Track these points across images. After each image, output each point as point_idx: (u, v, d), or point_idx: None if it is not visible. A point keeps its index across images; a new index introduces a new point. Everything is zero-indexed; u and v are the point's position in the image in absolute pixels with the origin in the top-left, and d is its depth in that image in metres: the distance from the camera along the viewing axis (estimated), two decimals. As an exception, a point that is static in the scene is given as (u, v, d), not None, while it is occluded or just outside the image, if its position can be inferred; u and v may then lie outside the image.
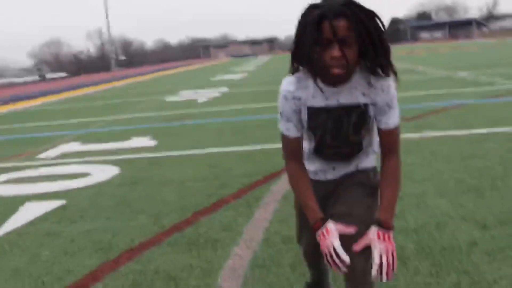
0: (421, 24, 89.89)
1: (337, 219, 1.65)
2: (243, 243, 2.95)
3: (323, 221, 1.62)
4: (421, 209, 3.23)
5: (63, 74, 58.49)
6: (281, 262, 2.63)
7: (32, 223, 3.68)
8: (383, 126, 1.63)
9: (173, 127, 8.15)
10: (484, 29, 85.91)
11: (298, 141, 1.69)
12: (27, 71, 59.09)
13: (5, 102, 19.38)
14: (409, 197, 3.42)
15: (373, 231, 1.58)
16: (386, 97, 1.58)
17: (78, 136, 7.89)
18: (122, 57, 78.76)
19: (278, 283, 2.43)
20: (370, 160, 1.79)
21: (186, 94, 14.60)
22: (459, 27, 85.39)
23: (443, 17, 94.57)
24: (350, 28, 1.42)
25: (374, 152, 1.78)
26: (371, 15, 1.46)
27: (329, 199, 1.77)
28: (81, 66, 70.78)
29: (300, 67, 1.61)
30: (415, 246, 2.66)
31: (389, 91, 1.58)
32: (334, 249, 1.56)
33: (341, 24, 1.42)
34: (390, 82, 1.58)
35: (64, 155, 6.29)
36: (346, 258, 1.55)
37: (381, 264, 1.54)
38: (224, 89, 15.29)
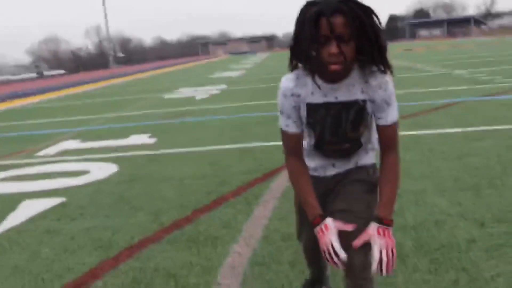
0: (419, 21, 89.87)
1: (337, 215, 1.67)
2: (243, 241, 2.96)
3: (322, 217, 1.64)
4: (419, 206, 3.24)
5: (61, 71, 58.37)
6: (280, 260, 2.65)
7: (31, 221, 3.68)
8: (381, 122, 1.64)
9: (172, 125, 8.16)
10: (482, 27, 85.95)
11: (298, 137, 1.71)
12: (25, 68, 58.94)
13: (3, 99, 19.33)
14: (408, 195, 3.43)
15: (373, 227, 1.61)
16: (384, 94, 1.60)
17: (77, 134, 7.89)
18: (121, 54, 78.62)
19: (277, 280, 2.44)
20: (370, 156, 1.80)
21: (185, 92, 14.60)
22: (457, 25, 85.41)
23: (441, 15, 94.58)
24: (347, 24, 1.43)
25: (374, 148, 1.79)
26: (368, 12, 1.47)
27: (329, 195, 1.79)
28: (79, 63, 70.67)
29: (299, 64, 1.63)
30: (414, 243, 2.68)
31: (387, 88, 1.60)
32: (332, 246, 1.58)
33: (339, 20, 1.43)
34: (388, 79, 1.59)
35: (63, 153, 6.29)
36: (343, 255, 1.58)
37: (381, 260, 1.56)
38: (223, 86, 15.29)
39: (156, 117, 9.22)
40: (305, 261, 2.14)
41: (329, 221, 1.64)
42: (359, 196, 1.72)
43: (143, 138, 6.85)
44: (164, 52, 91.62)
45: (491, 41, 41.22)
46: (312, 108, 1.64)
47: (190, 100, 11.84)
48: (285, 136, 1.71)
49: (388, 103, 1.61)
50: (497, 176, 3.77)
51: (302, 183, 1.71)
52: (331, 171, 1.80)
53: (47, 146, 6.82)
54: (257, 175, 4.38)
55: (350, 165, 1.79)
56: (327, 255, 1.60)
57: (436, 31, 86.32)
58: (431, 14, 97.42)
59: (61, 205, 4.01)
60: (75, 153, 6.18)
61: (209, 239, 3.03)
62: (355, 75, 1.60)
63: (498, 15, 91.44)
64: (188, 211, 3.57)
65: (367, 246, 1.60)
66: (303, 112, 1.66)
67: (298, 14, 1.53)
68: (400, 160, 1.69)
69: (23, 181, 4.94)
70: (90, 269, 2.76)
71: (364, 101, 1.61)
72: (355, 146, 1.74)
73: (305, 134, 1.74)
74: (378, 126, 1.66)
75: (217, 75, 22.62)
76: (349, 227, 1.63)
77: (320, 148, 1.75)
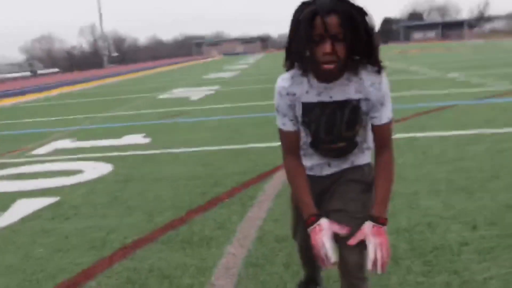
0: (414, 24, 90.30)
1: (333, 215, 1.70)
2: (237, 242, 2.97)
3: (317, 217, 1.67)
4: (413, 209, 3.27)
5: (55, 70, 58.06)
6: (274, 261, 2.66)
7: (25, 220, 3.67)
8: (375, 122, 1.67)
9: (167, 125, 8.15)
10: (476, 30, 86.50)
11: (295, 135, 1.73)
12: (18, 66, 58.55)
13: (-4, 97, 19.20)
14: (401, 197, 3.46)
15: (368, 226, 1.64)
16: (378, 93, 1.62)
17: (71, 133, 7.86)
18: (115, 54, 78.33)
19: (271, 281, 2.45)
20: (365, 156, 1.82)
21: (179, 92, 14.58)
22: (451, 28, 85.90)
23: (435, 18, 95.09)
24: (341, 24, 1.46)
25: (369, 148, 1.81)
26: (361, 12, 1.50)
27: (324, 194, 1.81)
28: (73, 62, 70.32)
29: (295, 64, 1.65)
30: (407, 245, 2.70)
31: (380, 87, 1.62)
32: (324, 247, 1.62)
33: (333, 20, 1.45)
34: (382, 78, 1.62)
35: (56, 152, 6.26)
36: (333, 259, 1.62)
37: (375, 258, 1.60)
38: (217, 87, 15.29)
39: (151, 117, 9.20)
40: (300, 260, 2.15)
41: (323, 221, 1.66)
42: (355, 196, 1.74)
43: (137, 138, 6.84)
44: (158, 52, 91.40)
45: (484, 44, 41.50)
46: (307, 107, 1.67)
47: (185, 101, 11.82)
48: (282, 134, 1.75)
49: (382, 103, 1.63)
50: (489, 179, 3.81)
51: (298, 182, 1.74)
52: (327, 171, 1.82)
53: (40, 145, 6.79)
54: (251, 176, 4.39)
55: (346, 164, 1.81)
56: (317, 255, 1.64)
57: (430, 34, 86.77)
58: (425, 17, 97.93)
59: (55, 204, 4.00)
60: (68, 153, 6.16)
61: (204, 240, 3.03)
62: (349, 75, 1.62)
63: (491, 18, 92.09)
64: (183, 212, 3.58)
65: (362, 245, 1.63)
66: (299, 111, 1.69)
67: (293, 14, 1.55)
68: (394, 158, 1.72)
69: (16, 180, 4.92)
70: (84, 269, 2.75)
71: (358, 100, 1.64)
72: (351, 145, 1.75)
73: (302, 133, 1.76)
74: (372, 126, 1.69)
75: (212, 75, 22.61)
76: (343, 231, 1.65)
77: (315, 147, 1.77)
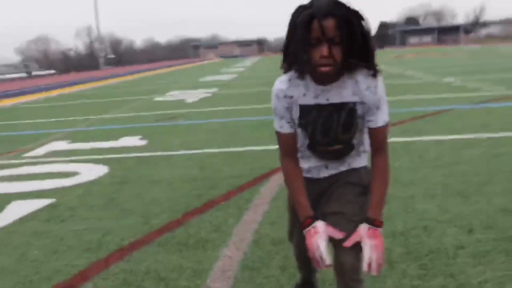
0: (410, 29, 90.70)
1: (330, 218, 1.71)
2: (233, 245, 2.97)
3: (313, 219, 1.70)
4: (409, 213, 3.28)
5: (51, 71, 57.90)
6: (270, 264, 2.66)
7: (20, 222, 3.66)
8: (371, 125, 1.68)
9: (163, 127, 8.14)
10: (472, 35, 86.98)
11: (292, 137, 1.75)
12: (14, 67, 58.32)
13: (-8, 98, 19.12)
14: (397, 201, 3.47)
15: (364, 228, 1.66)
16: (374, 97, 1.63)
17: (66, 135, 7.84)
18: (111, 56, 78.20)
19: (268, 284, 2.45)
20: (362, 159, 1.83)
21: (175, 94, 14.57)
22: (446, 33, 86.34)
23: (431, 23, 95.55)
24: (338, 28, 1.47)
25: (366, 151, 1.83)
26: (358, 16, 1.52)
27: (322, 197, 1.82)
28: (69, 64, 70.17)
29: (292, 66, 1.66)
30: (403, 249, 2.71)
31: (376, 91, 1.63)
32: (319, 250, 1.64)
33: (330, 24, 1.47)
34: (378, 82, 1.63)
35: (52, 154, 6.24)
36: (328, 262, 1.65)
37: (371, 260, 1.62)
38: (214, 90, 15.29)
39: (147, 119, 9.19)
40: (296, 263, 2.16)
41: (319, 224, 1.68)
42: (352, 198, 1.76)
43: (133, 140, 6.83)
44: (155, 54, 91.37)
45: (480, 49, 41.72)
46: (304, 109, 1.68)
47: (181, 103, 11.82)
48: (280, 136, 1.76)
49: (378, 106, 1.65)
50: (484, 183, 3.82)
51: (295, 184, 1.76)
52: (324, 173, 1.83)
53: (36, 147, 6.77)
54: (247, 179, 4.39)
55: (343, 167, 1.82)
56: (312, 257, 1.67)
57: (426, 39, 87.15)
58: (421, 21, 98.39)
59: (51, 206, 3.99)
60: (64, 154, 6.14)
61: (200, 242, 3.03)
62: (346, 78, 1.63)
63: (486, 24, 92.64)
64: (179, 214, 3.57)
65: (358, 247, 1.65)
66: (296, 114, 1.70)
67: (290, 17, 1.57)
68: (389, 162, 1.74)
69: (12, 182, 4.90)
70: (80, 271, 2.74)
71: (355, 103, 1.65)
72: (347, 148, 1.76)
73: (299, 135, 1.77)
74: (368, 129, 1.70)
75: (208, 78, 22.61)
76: (339, 235, 1.67)
77: (313, 149, 1.78)
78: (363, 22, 1.53)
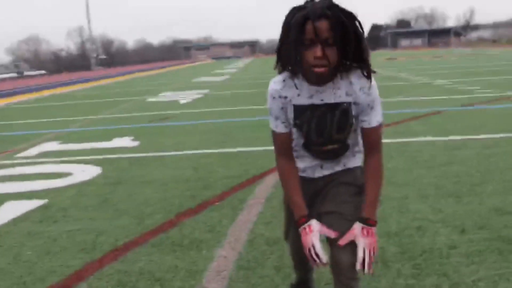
0: (401, 31, 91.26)
1: (325, 217, 1.73)
2: (228, 245, 2.97)
3: (307, 218, 1.71)
4: (402, 213, 3.29)
5: (42, 72, 57.51)
6: (265, 264, 2.66)
7: (13, 223, 3.63)
8: (365, 125, 1.70)
9: (155, 128, 8.12)
10: (462, 38, 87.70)
11: (287, 137, 1.76)
12: (4, 67, 57.87)
13: (-18, 99, 18.96)
14: (391, 201, 3.49)
15: (358, 227, 1.68)
16: (368, 98, 1.65)
17: (58, 135, 7.79)
18: (103, 56, 77.86)
19: (263, 284, 2.45)
20: (357, 159, 1.84)
21: (168, 95, 14.54)
22: (437, 36, 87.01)
23: (423, 25, 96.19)
24: (332, 29, 1.49)
25: (361, 151, 1.84)
26: (351, 17, 1.53)
27: (317, 196, 1.84)
28: (60, 64, 69.74)
29: (287, 67, 1.67)
30: (397, 249, 2.72)
31: (370, 92, 1.65)
32: (314, 247, 1.66)
33: (324, 25, 1.48)
34: (372, 83, 1.65)
35: (44, 154, 6.21)
36: (324, 260, 1.67)
37: (364, 258, 1.65)
38: (206, 91, 15.28)
39: (139, 120, 9.16)
40: (292, 262, 2.17)
41: (313, 223, 1.71)
42: (347, 198, 1.77)
43: (126, 141, 6.81)
44: (147, 55, 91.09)
45: (470, 52, 42.06)
46: (298, 109, 1.69)
47: (174, 104, 11.80)
48: (275, 136, 1.78)
49: (371, 107, 1.66)
50: (477, 183, 3.86)
51: (290, 183, 1.77)
52: (319, 173, 1.84)
53: (28, 147, 6.72)
54: (241, 179, 4.40)
55: (338, 167, 1.83)
56: (308, 256, 1.68)
57: (417, 41, 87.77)
58: (413, 24, 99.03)
59: (43, 207, 3.96)
60: (56, 155, 6.10)
61: (194, 243, 3.03)
62: (340, 79, 1.65)
63: (477, 27, 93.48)
64: (172, 215, 3.57)
65: (354, 245, 1.66)
66: (290, 114, 1.71)
67: (284, 18, 1.58)
68: (383, 162, 1.75)
69: (3, 183, 4.86)
70: (74, 271, 2.73)
71: (348, 103, 1.66)
72: (342, 148, 1.78)
73: (294, 135, 1.78)
74: (362, 129, 1.72)
75: (201, 79, 22.59)
76: (332, 234, 1.68)
77: (308, 149, 1.79)
78: (356, 24, 1.54)
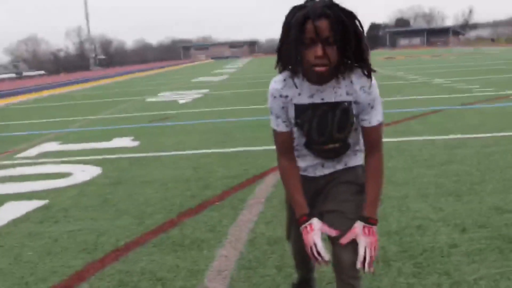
0: (400, 30, 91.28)
1: (327, 216, 1.74)
2: (229, 244, 2.97)
3: (308, 216, 1.72)
4: (403, 212, 3.30)
5: (41, 72, 57.47)
6: (267, 264, 2.67)
7: (14, 223, 3.63)
8: (365, 124, 1.70)
9: (155, 128, 8.12)
10: (461, 37, 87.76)
11: (288, 136, 1.77)
12: (3, 67, 57.81)
13: (-19, 99, 18.93)
14: (391, 200, 3.50)
15: (359, 226, 1.69)
16: (368, 97, 1.65)
17: (58, 136, 7.79)
18: (102, 56, 77.81)
19: (264, 284, 2.46)
20: (358, 158, 1.85)
21: (167, 95, 14.54)
22: (436, 35, 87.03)
23: (421, 24, 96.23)
24: (332, 28, 1.49)
25: (362, 150, 1.84)
26: (351, 17, 1.53)
27: (318, 195, 1.84)
28: (59, 65, 69.69)
29: (287, 66, 1.68)
30: (398, 248, 2.73)
31: (370, 91, 1.65)
32: (316, 246, 1.67)
33: (324, 24, 1.49)
34: (372, 82, 1.65)
35: (44, 155, 6.21)
36: (327, 258, 1.67)
37: (365, 257, 1.65)
38: (206, 91, 15.28)
39: (139, 120, 9.16)
40: (294, 261, 2.18)
41: (314, 221, 1.71)
42: (349, 197, 1.78)
43: (126, 141, 6.81)
44: (146, 55, 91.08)
45: (469, 51, 42.09)
46: (299, 108, 1.70)
47: (173, 104, 11.80)
48: (276, 135, 1.78)
49: (372, 106, 1.67)
50: (476, 182, 3.87)
51: (291, 182, 1.78)
52: (320, 172, 1.85)
53: (27, 148, 6.72)
54: (241, 179, 4.40)
55: (339, 166, 1.83)
56: (310, 254, 1.69)
57: (416, 40, 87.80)
58: (412, 23, 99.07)
59: (44, 207, 3.96)
60: (56, 155, 6.10)
61: (195, 242, 3.03)
62: (340, 78, 1.65)
63: (475, 26, 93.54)
64: (173, 215, 3.57)
65: (355, 244, 1.67)
66: (291, 113, 1.72)
67: (285, 18, 1.59)
68: (383, 161, 1.76)
69: (4, 183, 4.86)
70: (75, 272, 2.73)
71: (349, 102, 1.67)
72: (343, 146, 1.78)
73: (296, 134, 1.79)
74: (362, 128, 1.72)
75: (200, 79, 22.59)
76: (333, 232, 1.69)
77: (309, 148, 1.80)
78: (356, 23, 1.55)
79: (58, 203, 4.05)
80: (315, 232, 1.69)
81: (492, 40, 76.35)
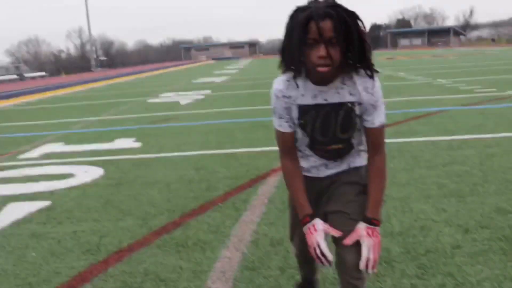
0: (401, 31, 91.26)
1: (331, 217, 1.75)
2: (232, 246, 2.98)
3: (311, 217, 1.73)
4: (405, 213, 3.30)
5: (42, 73, 57.52)
6: (270, 265, 2.67)
7: (17, 224, 3.64)
8: (368, 125, 1.71)
9: (157, 129, 8.13)
10: (461, 37, 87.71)
11: (291, 136, 1.77)
12: (4, 69, 57.83)
13: (-18, 101, 18.96)
14: (393, 201, 3.50)
15: (362, 227, 1.69)
16: (371, 97, 1.66)
17: (60, 137, 7.80)
18: (103, 58, 77.86)
19: (267, 285, 2.46)
20: (362, 158, 1.85)
21: (169, 96, 14.55)
22: (437, 35, 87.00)
23: (422, 25, 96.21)
24: (335, 29, 1.50)
25: (366, 150, 1.85)
26: (354, 17, 1.54)
27: (322, 196, 1.85)
28: (60, 66, 69.78)
29: (291, 67, 1.68)
30: (401, 249, 2.73)
31: (373, 91, 1.66)
32: (319, 246, 1.67)
33: (327, 25, 1.49)
34: (375, 82, 1.66)
35: (47, 156, 6.22)
36: (330, 258, 1.68)
37: (368, 258, 1.65)
38: (207, 92, 15.29)
39: (141, 121, 9.17)
40: (297, 262, 2.18)
41: (317, 222, 1.72)
42: (353, 197, 1.78)
43: (128, 142, 6.81)
44: (147, 56, 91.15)
45: (470, 51, 42.07)
46: (302, 109, 1.70)
47: (175, 105, 11.80)
48: (279, 135, 1.79)
49: (375, 106, 1.67)
50: (479, 183, 3.87)
51: (294, 182, 1.79)
52: (324, 172, 1.85)
53: (30, 149, 6.73)
54: (244, 180, 4.41)
55: (343, 166, 1.84)
56: (314, 255, 1.69)
57: (417, 41, 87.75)
58: (412, 24, 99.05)
59: (47, 208, 3.97)
60: (59, 156, 6.11)
61: (198, 243, 3.04)
62: (343, 78, 1.65)
63: (476, 26, 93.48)
64: (176, 216, 3.58)
65: (359, 245, 1.68)
66: (295, 114, 1.72)
67: (288, 19, 1.59)
68: (386, 162, 1.76)
69: (7, 184, 4.87)
70: (79, 273, 2.74)
71: (352, 103, 1.67)
72: (347, 147, 1.79)
73: (299, 135, 1.79)
74: (365, 129, 1.73)
75: (201, 80, 22.60)
76: (336, 233, 1.69)
77: (312, 148, 1.80)
78: (359, 23, 1.55)
79: (61, 204, 4.06)
80: (318, 233, 1.69)
81: (493, 40, 76.32)
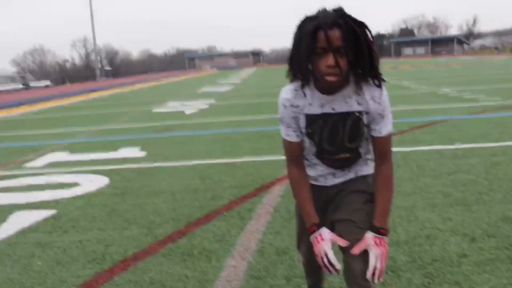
0: (404, 40, 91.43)
1: (338, 225, 1.75)
2: (237, 254, 2.97)
3: (318, 226, 1.73)
4: (411, 222, 3.30)
5: (47, 83, 57.87)
6: (276, 274, 2.66)
7: (22, 233, 3.65)
8: (375, 134, 1.71)
9: (162, 138, 8.15)
10: (465, 46, 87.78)
11: (298, 145, 1.78)
12: (10, 78, 58.23)
13: (-12, 110, 19.08)
14: (399, 210, 3.49)
15: (370, 237, 1.69)
16: (379, 107, 1.66)
17: (65, 146, 7.83)
18: (108, 67, 78.31)
19: (273, 293, 2.46)
20: (369, 167, 1.85)
21: (173, 106, 14.60)
22: (440, 44, 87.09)
23: (425, 34, 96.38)
24: (343, 38, 1.50)
25: (373, 159, 1.85)
26: (362, 26, 1.55)
27: (329, 205, 1.85)
28: (65, 75, 70.21)
29: (298, 76, 1.68)
30: (407, 258, 2.72)
31: (381, 100, 1.66)
32: (327, 255, 1.67)
33: (336, 34, 1.50)
34: (383, 91, 1.66)
35: (52, 165, 6.24)
36: (338, 266, 1.68)
37: (375, 268, 1.65)
38: (211, 101, 15.34)
39: (146, 130, 9.20)
40: (304, 270, 2.18)
41: (324, 231, 1.72)
42: (360, 206, 1.78)
43: (133, 151, 6.83)
44: (151, 65, 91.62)
45: (474, 60, 42.05)
46: (310, 118, 1.71)
47: (179, 114, 11.84)
48: (286, 144, 1.79)
49: (382, 116, 1.68)
50: (484, 192, 3.85)
51: (301, 191, 1.79)
52: (331, 181, 1.85)
53: (35, 158, 6.76)
54: (249, 189, 4.41)
55: (350, 175, 1.84)
56: (321, 264, 1.69)
57: (421, 50, 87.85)
58: (416, 33, 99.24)
59: (52, 217, 3.98)
60: (64, 165, 6.14)
61: (204, 252, 3.03)
62: (351, 87, 1.66)
63: (480, 35, 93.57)
64: (181, 225, 3.58)
65: (366, 254, 1.67)
66: (302, 123, 1.73)
67: (296, 28, 1.60)
68: (393, 171, 1.76)
69: (12, 193, 4.89)
70: (85, 281, 2.74)
71: (360, 112, 1.68)
72: (355, 156, 1.79)
73: (306, 144, 1.79)
74: (372, 138, 1.73)
75: (206, 89, 22.68)
76: (342, 242, 1.69)
77: (320, 157, 1.81)
78: (367, 32, 1.56)
79: (67, 213, 4.07)
80: (325, 242, 1.69)
81: (496, 49, 76.30)
